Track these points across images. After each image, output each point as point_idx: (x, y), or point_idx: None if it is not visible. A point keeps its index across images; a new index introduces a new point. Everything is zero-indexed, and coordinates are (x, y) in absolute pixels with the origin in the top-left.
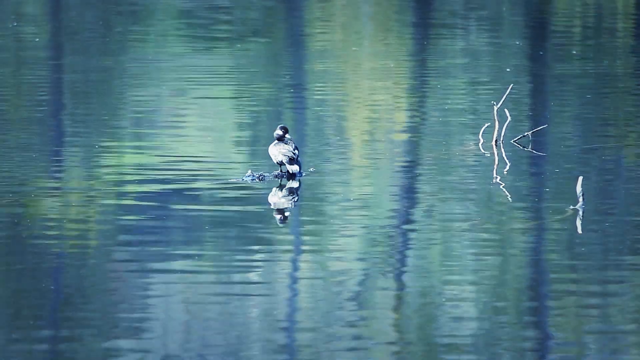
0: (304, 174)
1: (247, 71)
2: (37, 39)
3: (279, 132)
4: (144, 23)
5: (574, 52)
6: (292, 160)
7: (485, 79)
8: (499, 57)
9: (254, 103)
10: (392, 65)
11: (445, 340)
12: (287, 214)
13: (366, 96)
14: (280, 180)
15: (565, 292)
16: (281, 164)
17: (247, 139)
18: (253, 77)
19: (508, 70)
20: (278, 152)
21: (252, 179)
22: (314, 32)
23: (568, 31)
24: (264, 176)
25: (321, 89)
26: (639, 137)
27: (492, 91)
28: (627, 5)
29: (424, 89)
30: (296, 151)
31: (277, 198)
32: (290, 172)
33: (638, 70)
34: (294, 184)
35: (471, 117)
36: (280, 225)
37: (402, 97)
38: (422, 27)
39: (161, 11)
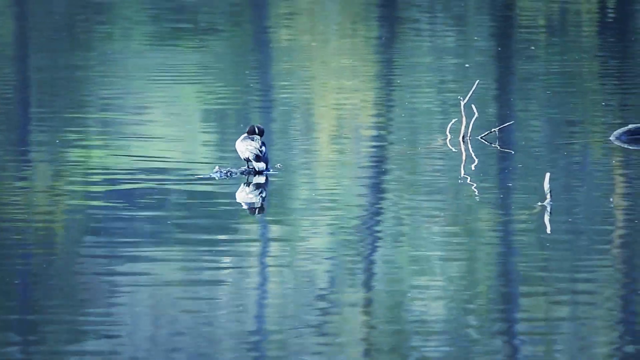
0: (271, 170)
1: (213, 68)
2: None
3: (253, 129)
4: (108, 18)
5: (532, 47)
6: (258, 158)
7: (451, 77)
8: (464, 54)
9: (220, 100)
10: (358, 63)
11: (413, 341)
12: (254, 210)
13: (333, 94)
14: (248, 177)
15: (534, 293)
16: (248, 160)
17: (214, 135)
18: (218, 75)
19: (467, 66)
20: (245, 148)
21: (219, 175)
22: (278, 27)
23: (533, 27)
24: (232, 172)
25: (287, 86)
26: (604, 134)
27: (458, 88)
28: (590, 2)
29: (390, 87)
30: (263, 148)
31: (244, 194)
32: (257, 169)
33: (603, 68)
34: (261, 179)
35: (438, 113)
36: (248, 221)
37: (368, 94)
38: (388, 23)
39: (126, 5)
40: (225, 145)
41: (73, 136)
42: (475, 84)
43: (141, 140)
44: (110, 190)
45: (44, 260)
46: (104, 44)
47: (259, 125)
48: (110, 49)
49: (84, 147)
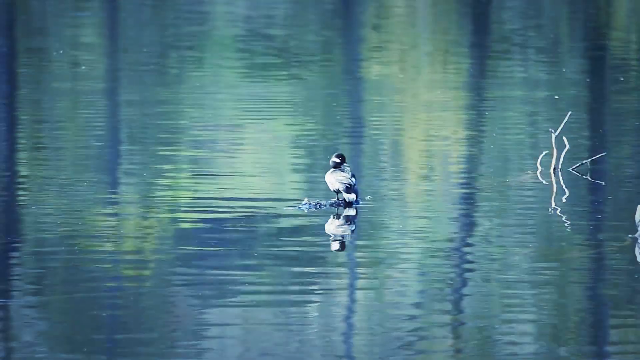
0: (361, 203)
1: (303, 100)
2: (90, 69)
3: (335, 159)
4: (199, 51)
5: (622, 79)
6: (349, 189)
7: (542, 108)
8: (555, 85)
9: (310, 131)
10: (447, 95)
11: None
12: (344, 243)
13: (423, 125)
14: (337, 209)
15: (625, 325)
16: (338, 192)
17: (304, 168)
18: (309, 106)
19: (556, 97)
20: (335, 179)
21: (308, 208)
22: (370, 60)
23: (625, 58)
24: (321, 204)
25: (378, 118)
26: None
27: (549, 120)
28: None
29: (480, 118)
30: (353, 179)
31: (334, 227)
32: (347, 200)
33: None
34: (351, 212)
35: (529, 145)
36: (338, 254)
37: (458, 125)
38: (479, 52)
39: (217, 39)
40: (314, 177)
41: (162, 169)
42: (567, 115)
43: (231, 174)
44: (200, 223)
45: (133, 293)
46: (194, 78)
47: (338, 152)
48: (200, 81)
49: (173, 180)
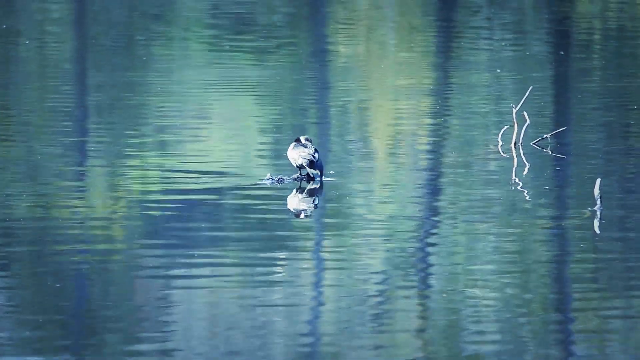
0: (323, 178)
1: (270, 81)
2: (59, 51)
3: (300, 138)
4: (167, 30)
5: (593, 60)
6: (312, 164)
7: (508, 83)
8: (521, 61)
9: (276, 110)
10: (414, 73)
11: (469, 351)
12: (307, 217)
13: (389, 101)
14: (300, 183)
15: (585, 297)
16: (301, 167)
17: (270, 145)
18: (276, 87)
19: (498, 71)
20: (298, 155)
21: (271, 182)
22: (336, 40)
23: (590, 34)
24: (283, 179)
25: (343, 97)
26: None
27: (514, 95)
28: None
29: (445, 93)
30: (316, 154)
31: (297, 201)
32: (311, 175)
33: None
34: (314, 186)
35: (492, 120)
36: (301, 228)
37: (423, 101)
38: (445, 28)
39: (185, 19)
40: (280, 154)
41: (130, 146)
42: (528, 90)
43: (197, 151)
44: (166, 199)
45: (100, 265)
46: (161, 58)
47: (307, 137)
48: (167, 62)
49: (141, 155)
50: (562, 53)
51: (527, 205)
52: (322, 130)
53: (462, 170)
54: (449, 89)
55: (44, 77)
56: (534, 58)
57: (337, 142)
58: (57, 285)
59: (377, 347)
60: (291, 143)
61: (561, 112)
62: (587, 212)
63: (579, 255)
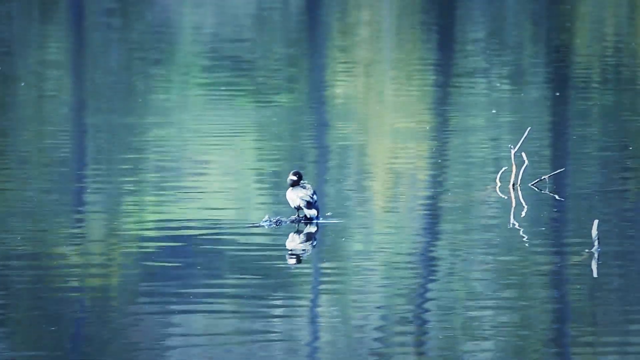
0: (321, 219)
1: (269, 124)
2: (57, 95)
3: (292, 177)
4: (166, 74)
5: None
6: (310, 204)
7: (505, 124)
8: (518, 103)
9: (275, 152)
10: (412, 112)
11: None
12: (304, 259)
13: (386, 143)
14: (298, 225)
15: (584, 341)
16: (299, 208)
17: (268, 187)
18: (275, 130)
19: (494, 111)
20: (296, 196)
21: (269, 224)
22: (334, 81)
23: (587, 74)
24: (281, 221)
25: (341, 140)
26: None
27: (512, 136)
28: None
29: (443, 134)
30: (314, 196)
31: (295, 243)
32: (308, 216)
33: None
34: (312, 228)
35: (491, 162)
36: (299, 270)
37: (421, 143)
38: (444, 70)
39: (184, 62)
40: (277, 197)
41: (127, 189)
42: (527, 131)
43: (195, 193)
44: (164, 240)
45: (98, 310)
46: (159, 100)
47: (295, 170)
48: (165, 104)
49: (139, 197)
50: (557, 94)
51: (525, 246)
52: (320, 172)
53: (460, 212)
54: (446, 130)
55: (41, 122)
56: (531, 99)
57: (334, 183)
58: (53, 329)
59: None
60: (288, 178)
61: (559, 154)
62: (585, 253)
63: (577, 296)
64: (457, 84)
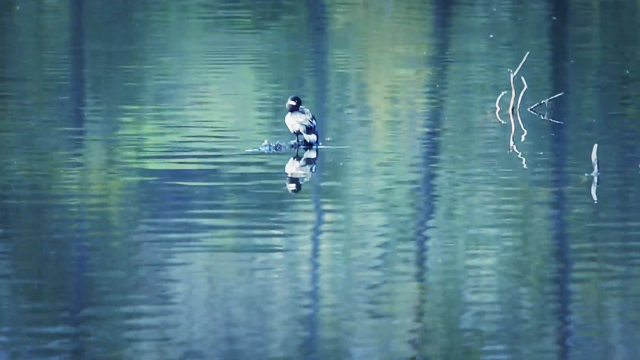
0: (320, 144)
1: (268, 51)
2: (58, 22)
3: (291, 102)
4: (164, 4)
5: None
6: (309, 129)
7: (504, 47)
8: (519, 25)
9: (274, 79)
10: (412, 40)
11: (468, 314)
12: (304, 183)
13: (387, 67)
14: (297, 150)
15: (584, 259)
16: (298, 133)
17: (268, 113)
18: (274, 57)
19: (491, 36)
20: (295, 121)
21: (269, 149)
22: (334, 9)
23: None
24: (281, 146)
25: (342, 67)
26: None
27: (511, 61)
28: None
29: (442, 61)
30: (313, 120)
31: (294, 168)
32: (308, 141)
33: None
34: (311, 153)
35: (491, 87)
36: (298, 195)
37: (420, 69)
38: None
39: None
40: (277, 121)
41: (128, 114)
42: (526, 56)
43: (195, 120)
44: (163, 163)
45: (98, 234)
46: (160, 29)
47: (293, 95)
48: (165, 31)
49: (138, 124)
50: (554, 19)
51: (525, 171)
52: (319, 98)
53: (460, 137)
54: (445, 56)
55: (40, 47)
56: (530, 24)
57: (334, 109)
58: (53, 252)
59: (375, 315)
60: (287, 103)
61: (558, 78)
62: (584, 177)
63: (576, 220)
64: (455, 11)
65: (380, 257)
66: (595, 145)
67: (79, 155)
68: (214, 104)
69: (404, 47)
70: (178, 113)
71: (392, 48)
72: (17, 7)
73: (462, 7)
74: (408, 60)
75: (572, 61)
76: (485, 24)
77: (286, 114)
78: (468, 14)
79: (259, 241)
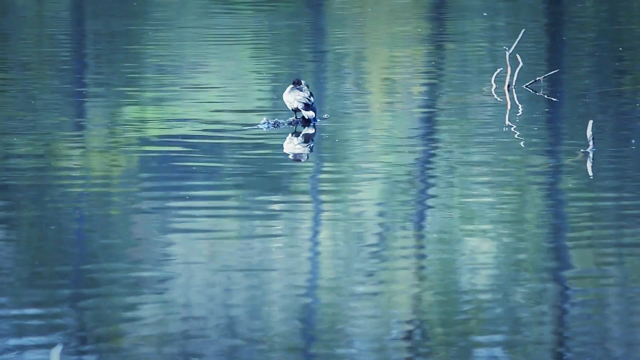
0: (318, 121)
1: (267, 29)
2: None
3: (299, 80)
4: None
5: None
6: (307, 107)
7: (500, 28)
8: (513, 6)
9: (272, 57)
10: (409, 19)
11: (465, 287)
12: (303, 159)
13: (384, 45)
14: (295, 127)
15: (581, 237)
16: (296, 110)
17: (267, 92)
18: (273, 36)
19: (485, 14)
20: (293, 98)
21: (267, 126)
22: None
23: None
24: (279, 123)
25: (340, 36)
26: None
27: (507, 39)
28: None
29: (439, 39)
30: (311, 98)
31: (292, 144)
32: (306, 117)
33: None
34: (309, 130)
35: (487, 64)
36: (297, 170)
37: (417, 47)
38: None
39: None
40: (276, 98)
41: (128, 93)
42: (521, 33)
43: (195, 94)
44: (164, 141)
45: (99, 210)
46: (159, 7)
47: (296, 79)
48: (165, 12)
49: (139, 102)
50: None
51: (521, 146)
52: (317, 76)
53: (457, 113)
54: (442, 34)
55: (41, 26)
56: (525, 2)
57: (332, 87)
58: (52, 228)
59: (374, 293)
60: (287, 87)
61: (554, 55)
62: (579, 152)
63: (573, 194)
64: None
65: (378, 233)
66: (591, 121)
67: (79, 134)
68: (213, 83)
69: (401, 26)
70: (178, 91)
71: (388, 27)
72: None
73: None
74: (404, 38)
75: (568, 39)
76: (483, 2)
77: (284, 91)
78: None
79: (258, 217)
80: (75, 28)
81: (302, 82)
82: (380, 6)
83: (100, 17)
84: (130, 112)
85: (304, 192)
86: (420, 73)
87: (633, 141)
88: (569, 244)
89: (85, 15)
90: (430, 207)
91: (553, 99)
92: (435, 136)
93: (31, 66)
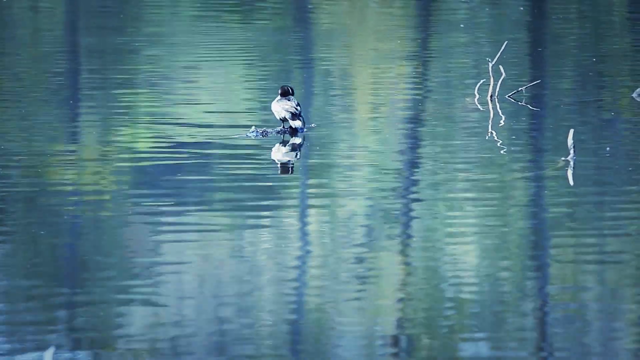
0: (305, 130)
1: (256, 43)
2: (51, 16)
3: (286, 89)
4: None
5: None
6: (294, 116)
7: (483, 35)
8: (497, 16)
9: (261, 68)
10: (394, 30)
11: (449, 293)
12: (291, 168)
13: (370, 57)
14: (283, 136)
15: (561, 244)
16: (284, 119)
17: (255, 101)
18: (262, 48)
19: (462, 26)
20: (281, 108)
21: (255, 135)
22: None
23: None
24: (267, 132)
25: (327, 56)
26: (633, 91)
27: (490, 49)
28: None
29: (423, 52)
30: (299, 107)
31: (281, 153)
32: (293, 127)
33: (636, 26)
34: (297, 140)
35: (471, 75)
36: (285, 179)
37: (402, 63)
38: None
39: None
40: (264, 109)
41: (121, 101)
42: (504, 45)
43: (185, 106)
44: (155, 150)
45: (91, 216)
46: (151, 22)
47: (290, 85)
48: (157, 25)
49: (131, 112)
50: (536, 11)
51: (503, 155)
52: (305, 87)
53: (441, 123)
54: (426, 47)
55: (36, 43)
56: (508, 15)
57: (319, 97)
58: (42, 233)
59: (360, 292)
60: (276, 96)
61: (536, 66)
62: (560, 161)
63: (554, 202)
64: (435, 4)
65: (364, 238)
66: (572, 130)
67: (73, 141)
68: (203, 93)
69: (386, 41)
70: (168, 101)
71: (374, 42)
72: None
73: (443, 2)
74: (390, 52)
75: (550, 50)
76: (465, 17)
77: (273, 101)
78: (449, 10)
79: (248, 221)
80: (68, 43)
81: (290, 88)
82: (366, 22)
83: (92, 33)
84: (121, 120)
85: (291, 200)
86: (405, 83)
87: (608, 148)
88: (550, 251)
89: (78, 32)
90: (415, 217)
91: (535, 109)
92: (421, 143)
93: (24, 82)
